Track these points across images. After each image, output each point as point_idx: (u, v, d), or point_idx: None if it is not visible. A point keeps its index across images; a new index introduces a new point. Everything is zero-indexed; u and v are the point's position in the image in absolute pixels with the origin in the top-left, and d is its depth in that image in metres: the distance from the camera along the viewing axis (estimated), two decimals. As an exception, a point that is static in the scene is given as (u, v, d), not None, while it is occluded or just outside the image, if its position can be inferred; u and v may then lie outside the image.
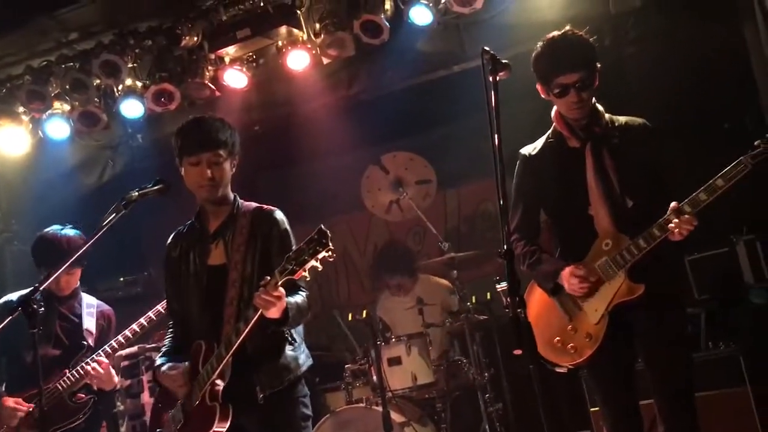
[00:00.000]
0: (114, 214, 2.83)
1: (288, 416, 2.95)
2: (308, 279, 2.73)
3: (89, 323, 3.93)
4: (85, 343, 3.89)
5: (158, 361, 3.07)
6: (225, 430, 2.85)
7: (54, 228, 3.91)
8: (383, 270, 5.81)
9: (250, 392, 2.87)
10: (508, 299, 2.08)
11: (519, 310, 2.05)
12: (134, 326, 3.83)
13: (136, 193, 2.84)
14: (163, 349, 3.12)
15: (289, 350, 2.97)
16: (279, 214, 3.06)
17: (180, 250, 3.09)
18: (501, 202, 2.24)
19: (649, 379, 3.06)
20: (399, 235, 6.57)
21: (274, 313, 2.70)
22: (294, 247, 2.78)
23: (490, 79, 2.57)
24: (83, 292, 4.06)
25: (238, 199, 3.10)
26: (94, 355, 3.80)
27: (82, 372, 3.78)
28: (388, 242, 6.25)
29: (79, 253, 2.98)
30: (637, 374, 3.13)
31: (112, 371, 3.81)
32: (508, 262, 2.16)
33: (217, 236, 3.03)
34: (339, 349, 6.10)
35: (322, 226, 2.60)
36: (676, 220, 2.85)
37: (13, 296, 3.87)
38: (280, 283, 2.64)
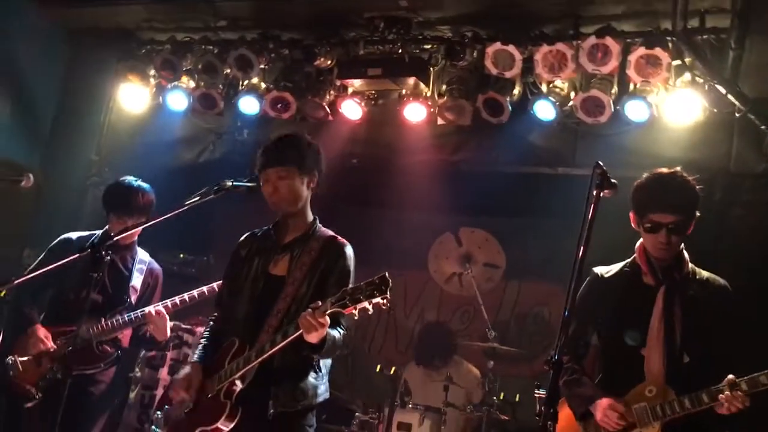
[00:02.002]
0: (202, 196, 2.93)
1: None
2: (356, 318, 2.76)
3: (137, 280, 4.01)
4: (127, 298, 3.96)
5: (194, 357, 3.13)
6: (228, 430, 2.89)
7: (129, 179, 4.01)
8: (421, 350, 5.78)
9: (263, 405, 2.89)
10: (543, 408, 2.05)
11: (549, 423, 2.02)
12: (185, 295, 3.88)
13: (230, 184, 2.95)
14: (202, 343, 3.19)
15: (312, 377, 2.99)
16: (349, 250, 3.12)
17: (249, 251, 3.18)
18: (566, 312, 2.22)
19: None
20: (448, 310, 6.51)
21: (313, 337, 2.73)
22: (352, 284, 2.83)
23: (594, 193, 2.57)
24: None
25: (318, 222, 3.17)
26: (154, 305, 3.84)
27: (118, 322, 3.85)
28: (434, 323, 6.19)
29: (160, 219, 3.08)
30: None
31: (169, 324, 3.84)
32: (554, 372, 2.13)
33: (286, 249, 3.10)
34: (353, 396, 6.06)
35: (387, 274, 2.64)
36: (728, 394, 2.76)
37: (73, 235, 4.01)
38: (329, 311, 2.68)
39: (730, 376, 2.79)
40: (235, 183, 2.97)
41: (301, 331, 2.72)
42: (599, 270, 3.22)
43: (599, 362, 3.21)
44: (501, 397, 5.01)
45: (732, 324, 3.03)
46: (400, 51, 5.13)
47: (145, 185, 4.01)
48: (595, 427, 3.01)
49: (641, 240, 3.10)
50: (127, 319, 3.86)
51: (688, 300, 3.01)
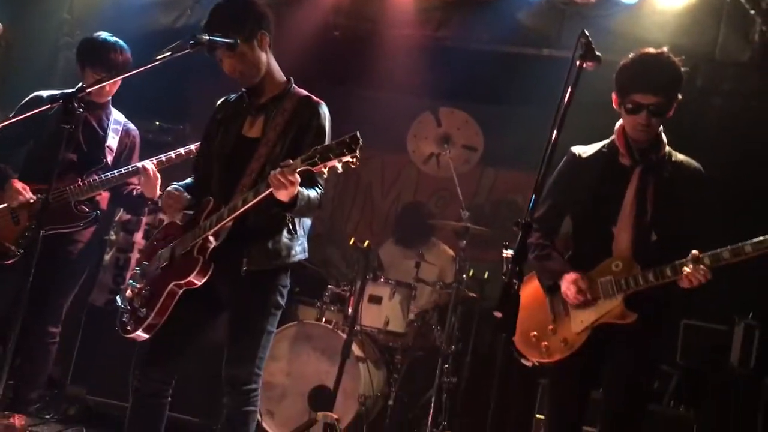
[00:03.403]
0: (176, 50, 2.83)
1: (263, 298, 3.00)
2: (325, 177, 2.77)
3: (112, 141, 3.96)
4: (103, 158, 3.92)
5: (173, 184, 3.11)
6: (200, 284, 2.94)
7: (106, 34, 3.91)
8: (400, 230, 5.85)
9: (237, 263, 2.93)
10: (509, 266, 2.11)
11: (514, 281, 2.07)
12: (171, 153, 3.84)
13: (206, 38, 2.84)
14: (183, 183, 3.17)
15: (285, 237, 3.02)
16: (324, 109, 3.07)
17: (224, 115, 3.15)
18: (539, 179, 2.24)
19: (601, 406, 3.10)
20: (425, 193, 6.57)
21: (283, 195, 2.72)
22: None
23: (577, 63, 2.54)
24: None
25: (293, 83, 3.13)
26: (150, 160, 3.80)
27: (94, 181, 3.82)
28: (412, 205, 6.23)
29: (135, 72, 2.99)
30: (591, 400, 3.16)
31: (159, 181, 3.80)
32: (523, 233, 2.17)
33: (261, 111, 3.07)
34: (329, 271, 6.20)
35: (358, 133, 2.60)
36: (692, 267, 2.85)
37: (44, 93, 3.90)
38: (299, 170, 2.66)
39: (694, 252, 2.86)
40: (211, 39, 2.86)
41: (271, 189, 2.71)
42: (577, 149, 3.23)
43: (570, 241, 3.27)
44: (470, 274, 5.14)
45: (701, 206, 3.10)
46: None
47: (122, 43, 3.89)
48: (561, 299, 3.12)
49: (620, 121, 3.11)
50: (105, 178, 3.83)
51: (662, 181, 3.05)
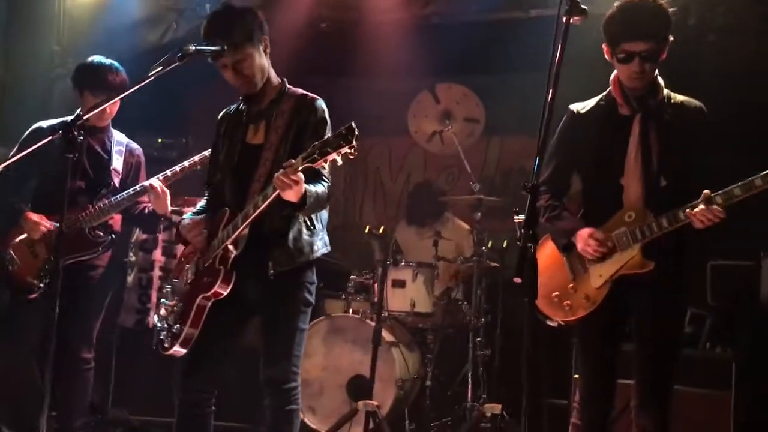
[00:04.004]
0: (166, 64, 2.85)
1: (292, 297, 3.04)
2: (326, 169, 2.82)
3: (117, 163, 3.98)
4: (110, 181, 3.94)
5: (185, 217, 3.19)
6: (226, 293, 2.98)
7: (100, 57, 3.92)
8: (412, 210, 5.85)
9: (262, 267, 2.97)
10: (522, 231, 2.11)
11: (529, 244, 2.08)
12: (176, 167, 3.84)
13: (193, 48, 2.85)
14: (194, 210, 3.26)
15: (305, 234, 3.04)
16: (320, 103, 3.08)
17: (226, 126, 3.19)
18: (540, 142, 2.23)
19: (634, 358, 3.09)
20: (434, 172, 6.57)
21: (290, 195, 2.74)
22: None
23: (564, 19, 2.51)
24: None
25: (287, 83, 3.15)
26: (156, 177, 3.82)
27: (105, 205, 3.85)
28: (422, 184, 6.23)
29: (130, 91, 3.02)
30: (623, 353, 3.15)
31: (169, 197, 3.82)
32: (531, 197, 2.17)
33: (261, 117, 3.10)
34: (350, 262, 6.22)
35: (353, 124, 2.61)
36: (703, 207, 2.82)
37: (44, 124, 3.93)
38: (300, 168, 2.68)
39: (706, 191, 2.84)
40: (198, 48, 2.87)
41: (278, 191, 2.74)
42: (575, 107, 3.21)
43: (581, 198, 3.25)
44: (489, 246, 5.14)
45: (706, 143, 3.05)
46: None
47: (117, 64, 3.92)
48: (578, 256, 3.11)
49: (615, 72, 3.07)
50: (114, 201, 3.86)
51: (663, 124, 3.02)
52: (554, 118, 3.15)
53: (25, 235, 3.82)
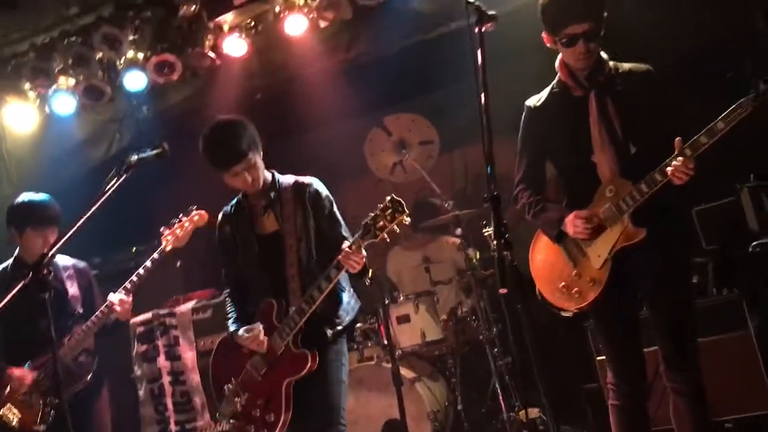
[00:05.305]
0: (114, 180, 2.88)
1: (338, 353, 3.36)
2: (388, 241, 3.16)
3: (73, 288, 3.97)
4: (74, 310, 3.92)
5: (231, 327, 3.40)
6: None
7: (28, 194, 3.97)
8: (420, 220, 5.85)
9: (321, 332, 3.30)
10: (495, 241, 2.13)
11: (505, 252, 2.10)
12: (140, 270, 3.87)
13: (135, 158, 2.89)
14: (231, 316, 3.45)
15: (345, 296, 3.42)
16: (315, 185, 3.42)
17: (232, 225, 3.46)
18: (486, 150, 2.27)
19: (652, 324, 3.10)
20: (407, 201, 6.52)
21: (356, 269, 3.14)
22: (336, 208, 3.38)
23: (476, 30, 2.58)
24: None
25: (276, 174, 3.44)
26: (117, 292, 3.82)
27: (81, 334, 3.82)
28: (422, 196, 6.23)
29: (86, 217, 3.02)
30: (641, 322, 3.17)
31: (130, 302, 3.85)
32: (494, 207, 2.20)
33: (267, 209, 3.38)
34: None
35: (394, 195, 3.05)
36: (680, 161, 2.85)
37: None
38: (364, 245, 3.07)
39: (677, 139, 2.87)
40: (140, 156, 2.92)
41: (343, 270, 3.12)
42: (530, 102, 3.26)
43: (561, 186, 3.30)
44: (478, 257, 5.15)
45: (664, 102, 3.09)
46: (257, -31, 4.96)
47: (46, 196, 3.95)
48: (573, 243, 3.14)
49: (560, 56, 3.13)
50: (87, 328, 3.82)
51: (617, 95, 3.07)
52: (513, 113, 3.27)
53: (9, 390, 3.76)
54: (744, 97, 2.83)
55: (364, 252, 3.09)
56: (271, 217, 3.38)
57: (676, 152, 2.88)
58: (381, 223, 3.03)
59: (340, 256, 3.10)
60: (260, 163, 3.32)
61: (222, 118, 3.35)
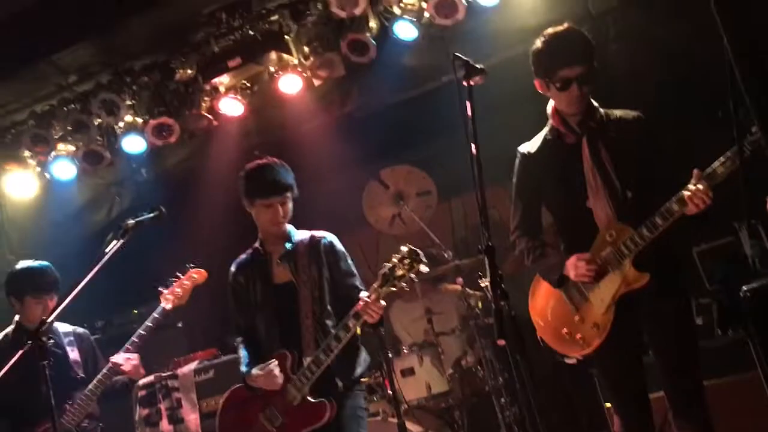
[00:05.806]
0: (113, 244, 2.90)
1: (354, 407, 3.38)
2: (407, 289, 3.25)
3: (74, 354, 3.96)
4: (76, 376, 3.91)
5: (243, 369, 3.41)
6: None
7: (26, 262, 4.01)
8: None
9: (331, 385, 3.30)
10: (491, 292, 2.13)
11: (502, 303, 2.09)
12: (140, 330, 3.88)
13: (132, 222, 2.93)
14: (243, 359, 3.45)
15: (359, 348, 3.46)
16: (331, 237, 3.52)
17: (246, 275, 3.50)
18: (479, 200, 2.29)
19: (657, 369, 3.07)
20: (408, 248, 6.57)
21: (374, 319, 3.18)
22: (351, 261, 3.45)
23: (465, 84, 2.63)
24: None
25: (292, 228, 3.52)
26: (120, 352, 3.82)
27: (82, 403, 3.80)
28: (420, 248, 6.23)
29: (84, 282, 3.04)
30: (646, 366, 3.14)
31: (138, 361, 3.87)
32: (489, 258, 2.21)
33: (282, 261, 3.43)
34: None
35: (410, 245, 3.13)
36: (692, 187, 2.84)
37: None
38: (383, 295, 3.11)
39: (696, 171, 2.86)
40: (137, 219, 2.95)
41: (361, 320, 3.16)
42: (523, 148, 3.28)
43: (558, 233, 3.30)
44: (480, 306, 5.13)
45: (655, 147, 3.12)
46: (251, 32, 5.07)
47: (44, 263, 3.98)
48: (575, 287, 3.13)
49: (552, 103, 3.16)
50: (89, 392, 3.80)
51: (609, 141, 3.09)
52: (510, 162, 3.30)
53: None
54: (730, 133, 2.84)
55: (383, 302, 3.13)
56: (285, 267, 3.43)
57: (694, 175, 2.87)
58: (399, 272, 3.09)
59: (359, 306, 3.14)
60: (291, 206, 3.44)
61: (270, 158, 3.52)
